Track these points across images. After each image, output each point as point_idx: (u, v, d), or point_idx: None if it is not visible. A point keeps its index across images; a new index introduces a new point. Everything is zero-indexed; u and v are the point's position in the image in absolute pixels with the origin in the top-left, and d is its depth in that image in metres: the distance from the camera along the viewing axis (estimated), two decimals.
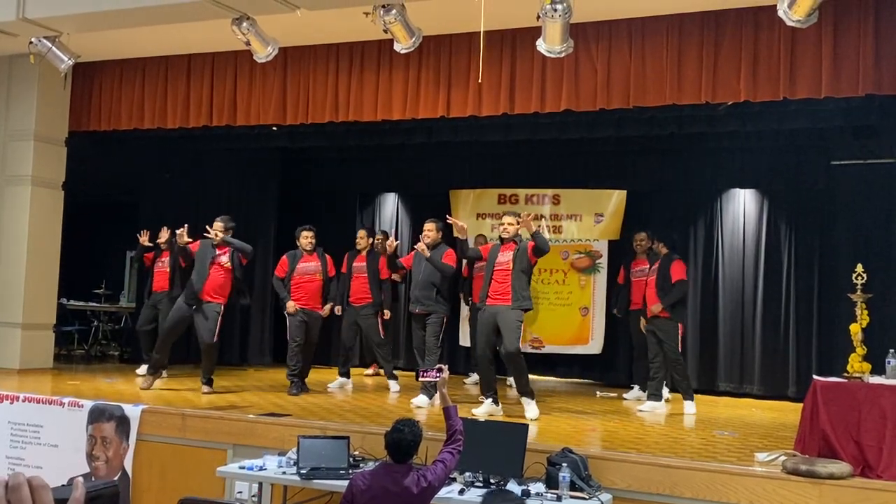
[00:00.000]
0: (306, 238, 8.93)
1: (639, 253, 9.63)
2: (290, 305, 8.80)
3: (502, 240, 7.83)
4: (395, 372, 9.58)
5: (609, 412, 8.51)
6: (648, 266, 9.15)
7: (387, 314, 9.61)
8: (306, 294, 8.84)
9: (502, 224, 7.82)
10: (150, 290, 10.21)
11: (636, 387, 9.68)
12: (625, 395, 9.65)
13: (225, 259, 8.65)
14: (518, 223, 7.62)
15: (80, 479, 1.22)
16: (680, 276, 8.54)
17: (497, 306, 7.58)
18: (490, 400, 7.61)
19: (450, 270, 8.43)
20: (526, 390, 7.58)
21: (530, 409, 7.48)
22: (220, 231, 8.63)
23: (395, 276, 9.84)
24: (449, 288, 8.69)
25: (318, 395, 8.60)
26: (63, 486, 1.19)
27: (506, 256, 7.66)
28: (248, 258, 8.89)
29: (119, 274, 14.02)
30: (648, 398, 8.57)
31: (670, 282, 8.46)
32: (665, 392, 8.98)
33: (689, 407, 8.33)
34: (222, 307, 8.60)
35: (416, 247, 8.64)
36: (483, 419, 6.99)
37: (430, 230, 8.55)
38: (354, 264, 9.47)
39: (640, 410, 8.39)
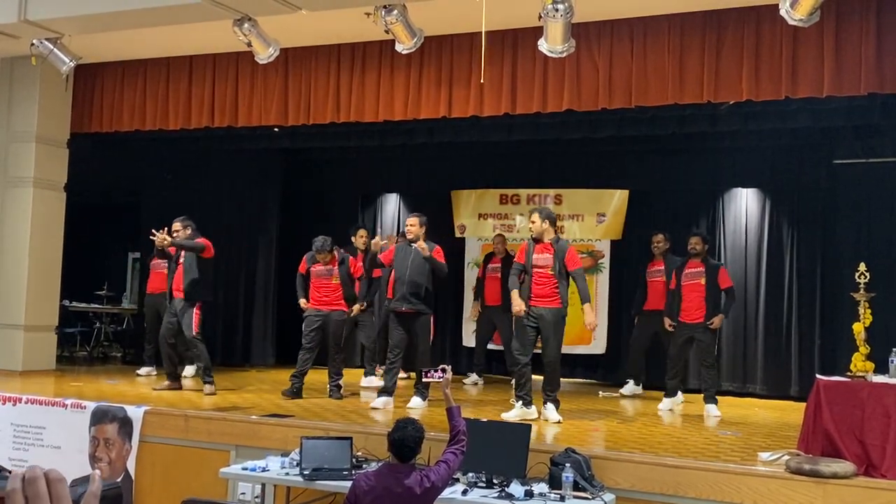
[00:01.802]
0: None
1: (656, 255, 9.69)
2: (302, 303, 8.81)
3: (534, 240, 7.66)
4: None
5: (612, 412, 8.50)
6: (664, 267, 9.36)
7: (362, 306, 9.69)
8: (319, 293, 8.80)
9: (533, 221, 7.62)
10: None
11: (630, 381, 9.77)
12: (622, 391, 9.70)
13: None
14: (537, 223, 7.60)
15: (98, 472, 1.22)
16: (730, 283, 8.60)
17: (540, 308, 7.45)
18: (521, 402, 7.51)
19: (446, 270, 8.17)
20: (555, 397, 7.56)
21: (553, 413, 7.44)
22: (178, 230, 8.71)
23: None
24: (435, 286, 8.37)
25: (320, 397, 8.58)
26: (79, 478, 1.19)
27: (545, 260, 7.51)
28: (204, 253, 8.73)
29: (121, 275, 14.02)
30: (667, 395, 8.57)
31: (719, 290, 8.45)
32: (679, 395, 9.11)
33: (714, 410, 8.25)
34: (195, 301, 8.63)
35: (416, 245, 8.10)
36: (486, 419, 6.99)
37: (412, 224, 8.15)
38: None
39: (661, 409, 8.43)
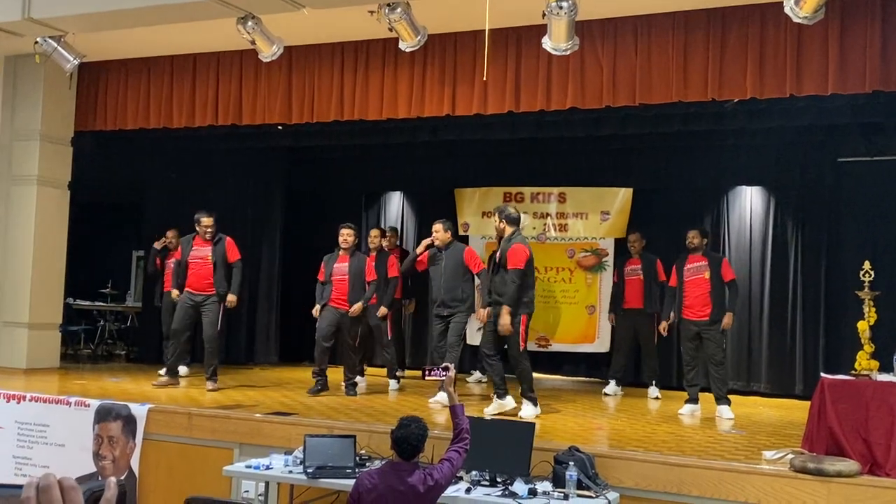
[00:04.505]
0: (340, 236, 8.77)
1: (633, 254, 9.84)
2: (315, 310, 8.76)
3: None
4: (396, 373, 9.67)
5: (616, 410, 8.49)
6: (641, 265, 9.62)
7: (382, 311, 9.63)
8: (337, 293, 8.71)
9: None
10: (161, 291, 10.26)
11: (613, 381, 9.74)
12: (605, 391, 9.68)
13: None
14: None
15: (113, 479, 1.22)
16: (733, 276, 8.48)
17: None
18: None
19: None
20: (529, 395, 7.58)
21: (528, 410, 7.47)
22: (210, 225, 8.99)
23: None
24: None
25: (324, 394, 8.58)
26: (84, 476, 1.20)
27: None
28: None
29: (125, 273, 14.03)
30: (689, 402, 8.30)
31: (723, 283, 8.30)
32: (655, 391, 9.43)
33: (727, 411, 8.03)
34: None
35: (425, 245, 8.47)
36: (489, 418, 6.99)
37: (437, 231, 8.41)
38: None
39: (681, 413, 8.18)
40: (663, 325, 8.76)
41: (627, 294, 9.75)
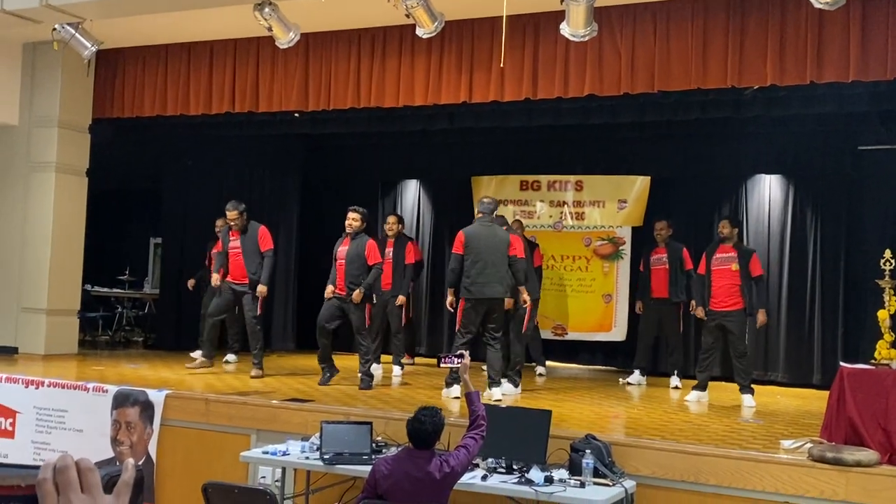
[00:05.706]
0: (346, 219, 8.54)
1: (659, 242, 9.69)
2: (328, 290, 8.49)
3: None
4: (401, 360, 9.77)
5: (632, 399, 8.46)
6: (667, 254, 9.48)
7: (400, 299, 9.61)
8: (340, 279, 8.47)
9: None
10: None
11: (637, 371, 9.67)
12: (628, 380, 9.63)
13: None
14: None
15: (131, 461, 1.22)
16: (761, 272, 8.47)
17: None
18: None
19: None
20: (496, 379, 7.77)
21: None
22: (235, 217, 9.03)
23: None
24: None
25: (341, 381, 8.58)
26: (103, 461, 1.20)
27: None
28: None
29: (143, 260, 14.09)
30: (696, 388, 8.31)
31: (751, 277, 8.27)
32: (676, 380, 9.29)
33: (750, 400, 8.07)
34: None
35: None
36: (504, 405, 6.98)
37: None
38: (385, 250, 9.47)
39: (688, 400, 8.21)
40: (700, 311, 8.60)
41: (653, 283, 9.63)
